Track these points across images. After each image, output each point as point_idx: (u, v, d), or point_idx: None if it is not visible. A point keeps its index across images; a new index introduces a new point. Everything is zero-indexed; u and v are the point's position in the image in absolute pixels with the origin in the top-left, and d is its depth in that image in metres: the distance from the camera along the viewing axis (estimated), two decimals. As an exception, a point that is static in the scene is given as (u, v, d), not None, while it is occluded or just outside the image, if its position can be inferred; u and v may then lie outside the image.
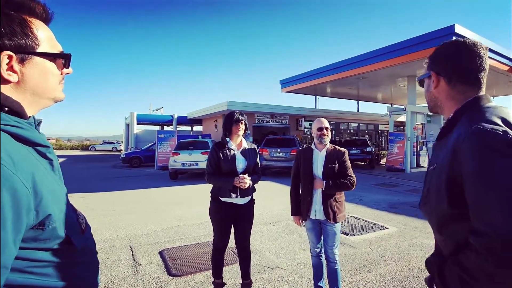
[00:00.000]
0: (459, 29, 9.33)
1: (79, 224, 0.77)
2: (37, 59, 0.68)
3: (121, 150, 32.64)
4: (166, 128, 24.35)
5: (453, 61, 0.93)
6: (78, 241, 0.72)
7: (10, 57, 0.63)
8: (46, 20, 0.71)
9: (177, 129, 22.16)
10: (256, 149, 2.67)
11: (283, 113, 17.95)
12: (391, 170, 12.51)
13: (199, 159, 10.23)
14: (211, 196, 2.51)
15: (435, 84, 0.98)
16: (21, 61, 0.65)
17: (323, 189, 2.34)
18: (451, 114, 0.94)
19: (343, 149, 2.48)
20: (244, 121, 2.50)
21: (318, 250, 2.49)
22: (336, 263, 2.39)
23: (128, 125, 22.83)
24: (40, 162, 0.67)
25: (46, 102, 0.73)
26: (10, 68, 0.64)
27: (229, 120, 2.47)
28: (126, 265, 3.25)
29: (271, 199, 6.69)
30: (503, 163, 0.71)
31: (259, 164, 2.69)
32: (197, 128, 25.56)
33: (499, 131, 0.75)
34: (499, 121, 0.78)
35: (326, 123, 2.46)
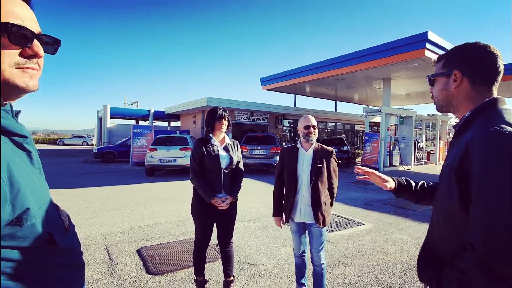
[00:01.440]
0: (431, 35, 9.81)
1: (62, 221, 0.71)
2: None
3: (93, 144, 31.19)
4: (141, 122, 23.58)
5: (480, 63, 0.96)
6: (61, 240, 0.66)
7: None
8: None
9: (154, 124, 21.52)
10: (239, 144, 2.66)
11: (263, 110, 18.02)
12: (365, 168, 13.00)
13: (177, 155, 10.03)
14: (193, 193, 2.47)
15: (457, 83, 0.99)
16: None
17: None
18: (468, 113, 0.96)
19: (330, 148, 2.37)
20: (228, 117, 2.47)
21: (302, 250, 2.42)
22: (323, 267, 2.32)
23: (101, 118, 21.85)
24: (16, 153, 0.61)
25: (5, 88, 0.61)
26: None
27: (213, 116, 2.43)
28: (101, 264, 3.11)
29: (251, 197, 6.71)
30: None
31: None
32: (175, 123, 25.00)
33: None
34: None
35: (313, 121, 2.33)
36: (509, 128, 0.78)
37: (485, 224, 0.75)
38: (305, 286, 2.46)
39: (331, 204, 2.36)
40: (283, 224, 2.44)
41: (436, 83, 1.07)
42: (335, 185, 2.35)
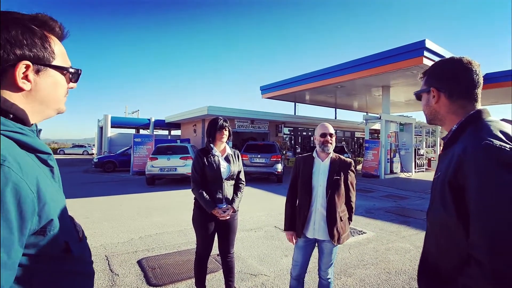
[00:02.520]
0: (429, 44, 9.93)
1: (77, 232, 0.78)
2: (50, 71, 0.73)
3: (93, 154, 31.21)
4: (142, 131, 23.64)
5: (453, 78, 0.99)
6: (76, 249, 0.72)
7: (27, 67, 0.67)
8: (61, 37, 0.77)
9: (154, 133, 21.58)
10: (239, 154, 2.68)
11: (263, 119, 18.09)
12: (366, 176, 12.97)
13: (177, 164, 10.03)
14: (194, 204, 2.47)
15: (436, 99, 1.03)
16: (37, 72, 0.70)
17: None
18: (455, 126, 0.99)
19: (349, 160, 2.20)
20: (228, 128, 2.50)
21: (301, 272, 2.20)
22: (329, 281, 2.19)
23: (101, 128, 21.91)
24: (41, 168, 0.69)
25: (51, 112, 0.77)
26: (25, 77, 0.67)
27: (214, 126, 2.46)
28: (102, 276, 3.09)
29: (252, 205, 6.68)
30: (509, 179, 0.76)
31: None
32: (175, 132, 25.06)
33: (507, 148, 0.79)
34: (503, 137, 0.83)
35: (331, 129, 2.16)
36: (497, 142, 0.81)
37: (490, 237, 0.75)
38: None
39: (350, 219, 2.22)
40: (296, 239, 2.20)
41: (422, 99, 1.12)
42: (353, 199, 2.18)
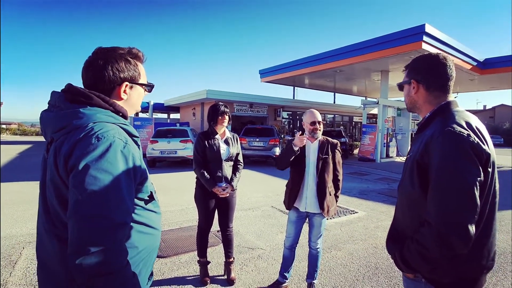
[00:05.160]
0: (429, 28, 9.89)
1: (153, 186, 1.13)
2: (138, 86, 1.09)
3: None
4: (141, 115, 23.63)
5: (431, 72, 1.15)
6: (155, 197, 1.09)
7: (126, 85, 1.04)
8: (143, 61, 1.12)
9: (154, 116, 21.64)
10: (238, 138, 2.87)
11: (262, 103, 18.12)
12: (363, 160, 13.25)
13: (177, 147, 10.22)
14: (196, 183, 2.69)
15: (415, 90, 1.20)
16: (130, 87, 1.06)
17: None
18: (428, 114, 1.16)
19: (335, 141, 2.44)
20: (228, 113, 2.69)
21: (294, 243, 2.46)
22: (318, 250, 2.44)
23: (101, 111, 21.84)
24: (137, 147, 1.01)
25: (133, 111, 1.14)
26: (124, 91, 1.04)
27: (215, 112, 2.64)
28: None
29: (250, 187, 6.95)
30: (461, 160, 0.94)
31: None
32: (174, 115, 25.10)
33: (464, 134, 0.97)
34: (464, 124, 1.01)
35: (319, 117, 2.35)
36: (458, 128, 0.99)
37: (439, 206, 0.96)
38: (287, 279, 2.54)
39: (337, 196, 2.46)
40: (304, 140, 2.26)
41: (404, 89, 1.28)
42: (340, 176, 2.44)
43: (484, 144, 0.99)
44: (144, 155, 11.89)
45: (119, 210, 0.84)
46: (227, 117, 2.66)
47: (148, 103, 22.21)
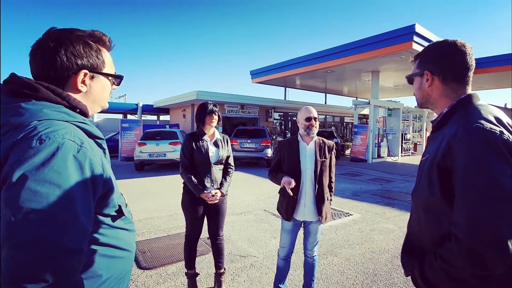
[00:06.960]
0: (419, 28, 9.93)
1: (124, 199, 0.97)
2: (101, 77, 0.89)
3: (80, 139, 30.42)
4: (130, 117, 23.14)
5: (448, 60, 0.99)
6: (125, 211, 0.92)
7: (85, 74, 0.84)
8: (110, 49, 0.94)
9: (142, 118, 21.19)
10: (228, 139, 2.67)
11: (253, 104, 17.96)
12: (354, 160, 13.22)
13: (166, 150, 9.94)
14: (183, 188, 2.48)
15: (429, 83, 1.03)
16: (91, 78, 0.87)
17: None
18: (446, 109, 0.99)
19: (331, 142, 2.28)
20: (218, 112, 2.49)
21: (288, 253, 2.28)
22: (315, 258, 2.30)
23: (88, 113, 21.29)
24: (100, 150, 0.85)
25: (98, 108, 0.95)
26: (83, 82, 0.85)
27: (203, 111, 2.44)
28: (92, 260, 3.10)
29: (242, 190, 6.76)
30: (495, 162, 0.78)
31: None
32: (164, 117, 24.68)
33: (497, 131, 0.81)
34: (494, 120, 0.85)
35: (314, 113, 2.17)
36: (488, 125, 0.83)
37: (470, 216, 0.78)
38: None
39: (331, 200, 2.30)
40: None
41: (414, 82, 1.11)
42: (334, 179, 2.29)
43: None
44: (132, 159, 11.58)
45: (69, 233, 0.66)
46: (216, 117, 2.46)
47: (137, 104, 21.75)
